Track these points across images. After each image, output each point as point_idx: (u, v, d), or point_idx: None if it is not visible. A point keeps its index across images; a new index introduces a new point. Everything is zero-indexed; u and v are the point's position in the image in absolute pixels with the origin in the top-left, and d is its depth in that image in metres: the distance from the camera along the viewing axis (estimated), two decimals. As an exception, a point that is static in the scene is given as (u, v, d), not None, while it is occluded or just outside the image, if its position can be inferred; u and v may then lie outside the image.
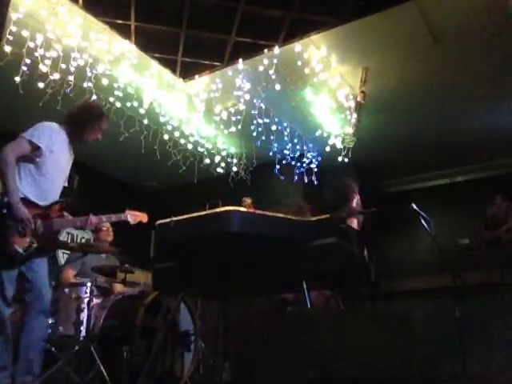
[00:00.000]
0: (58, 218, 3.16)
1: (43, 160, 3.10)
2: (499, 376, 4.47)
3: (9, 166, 2.94)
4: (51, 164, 3.14)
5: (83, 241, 6.43)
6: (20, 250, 2.92)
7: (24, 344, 2.96)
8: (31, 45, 3.95)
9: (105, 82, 4.44)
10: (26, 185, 3.04)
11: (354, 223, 4.48)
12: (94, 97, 4.47)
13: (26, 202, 2.99)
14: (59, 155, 3.21)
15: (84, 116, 3.32)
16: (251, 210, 2.68)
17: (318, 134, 5.59)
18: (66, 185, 3.36)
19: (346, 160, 5.49)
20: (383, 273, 4.91)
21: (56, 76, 4.12)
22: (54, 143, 3.14)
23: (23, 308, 3.06)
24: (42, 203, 3.09)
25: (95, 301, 4.04)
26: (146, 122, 5.08)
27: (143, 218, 3.62)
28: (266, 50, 4.37)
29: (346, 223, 4.32)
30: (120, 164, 6.81)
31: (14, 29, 3.81)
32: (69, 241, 6.30)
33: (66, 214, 3.23)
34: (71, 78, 4.23)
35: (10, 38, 3.81)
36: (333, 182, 6.58)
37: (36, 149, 3.06)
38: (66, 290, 4.18)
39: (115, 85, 4.61)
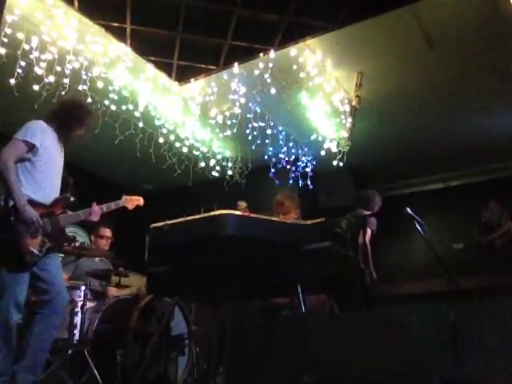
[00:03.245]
0: (62, 214, 3.17)
1: (39, 158, 3.10)
2: (494, 380, 4.48)
3: (10, 171, 2.94)
4: (47, 161, 3.15)
5: (77, 244, 6.40)
6: (35, 251, 2.93)
7: (35, 344, 2.94)
8: (26, 47, 3.94)
9: (100, 84, 4.43)
10: (28, 186, 3.04)
11: (368, 234, 4.50)
12: (90, 100, 4.47)
13: (32, 203, 2.99)
14: (53, 151, 3.22)
15: (71, 113, 3.31)
16: (246, 214, 2.68)
17: (313, 137, 5.59)
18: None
19: (341, 164, 5.50)
20: (378, 276, 4.90)
21: (51, 78, 4.11)
22: (45, 139, 3.15)
23: (36, 308, 3.03)
24: (45, 202, 3.10)
25: (89, 304, 4.02)
26: (141, 125, 5.07)
27: (139, 201, 3.68)
28: (261, 54, 4.37)
29: (358, 231, 4.32)
30: (115, 167, 6.80)
31: (8, 31, 3.80)
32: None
33: (67, 209, 3.24)
34: (66, 80, 4.22)
35: (5, 40, 3.80)
36: (328, 186, 6.61)
37: (31, 148, 3.07)
38: (60, 293, 4.15)
39: (110, 88, 4.61)
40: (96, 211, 3.33)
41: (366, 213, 4.67)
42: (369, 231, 4.54)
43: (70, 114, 3.31)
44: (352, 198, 5.00)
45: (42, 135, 3.14)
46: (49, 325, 3.00)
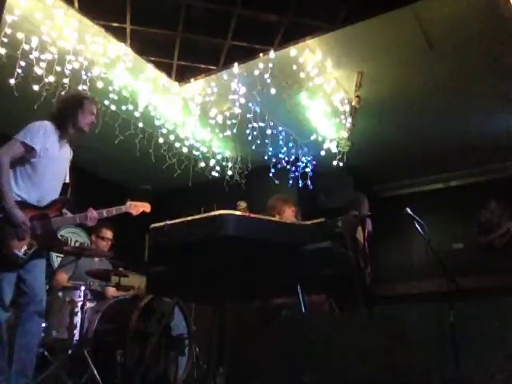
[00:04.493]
0: (57, 216, 3.14)
1: (39, 160, 3.09)
2: (494, 380, 4.47)
3: (2, 170, 2.92)
4: (48, 163, 3.13)
5: (77, 244, 6.40)
6: (20, 254, 2.91)
7: (19, 346, 2.93)
8: (26, 47, 3.93)
9: (100, 85, 4.43)
10: (24, 187, 3.02)
11: (361, 233, 4.49)
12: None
13: (24, 204, 2.97)
14: (55, 152, 3.19)
15: (67, 106, 3.30)
16: (246, 214, 2.68)
17: (312, 138, 5.59)
18: (67, 181, 3.34)
19: (341, 164, 5.50)
20: (378, 277, 4.91)
21: (51, 79, 4.11)
22: (48, 141, 3.13)
23: (17, 311, 3.03)
24: (39, 204, 3.08)
25: (89, 304, 4.03)
26: (141, 125, 5.07)
27: (146, 207, 3.58)
28: (261, 54, 4.37)
29: (354, 231, 4.33)
30: (115, 167, 6.80)
31: (8, 31, 3.80)
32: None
33: (64, 211, 3.21)
34: (66, 80, 4.21)
35: (5, 40, 3.80)
36: (328, 186, 6.61)
37: (30, 150, 3.05)
38: (60, 293, 4.16)
39: (110, 88, 4.60)
40: (92, 216, 3.27)
41: (359, 213, 4.67)
42: (366, 231, 4.54)
43: (67, 106, 3.30)
44: (353, 198, 5.02)
45: (45, 137, 3.11)
46: (30, 326, 2.99)
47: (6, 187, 2.92)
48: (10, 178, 2.97)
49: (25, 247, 2.94)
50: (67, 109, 3.29)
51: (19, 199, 2.96)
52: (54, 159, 3.19)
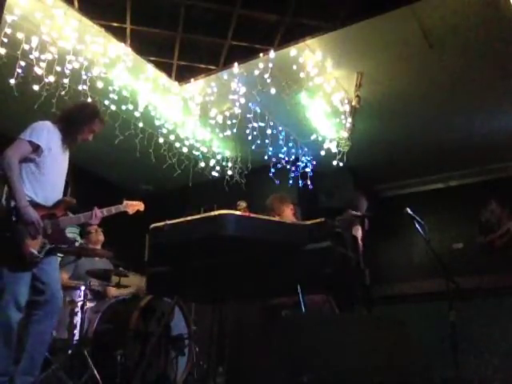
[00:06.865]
0: (63, 216, 3.19)
1: (43, 159, 3.12)
2: (495, 379, 4.48)
3: (13, 171, 2.96)
4: (51, 162, 3.16)
5: (77, 244, 6.40)
6: (35, 252, 2.94)
7: (32, 345, 2.94)
8: (26, 47, 3.93)
9: (100, 84, 4.43)
10: (30, 187, 3.05)
11: (359, 231, 4.49)
12: (89, 100, 4.46)
13: (33, 204, 3.00)
14: (57, 152, 3.23)
15: (77, 115, 3.33)
16: (246, 214, 2.68)
17: (312, 137, 5.59)
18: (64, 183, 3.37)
19: (341, 164, 5.50)
20: (378, 277, 4.91)
21: (51, 78, 4.11)
22: (50, 141, 3.16)
23: (33, 308, 3.04)
24: (47, 203, 3.11)
25: (89, 304, 4.03)
26: (141, 125, 5.07)
27: (140, 206, 3.69)
28: (261, 54, 4.37)
29: (350, 230, 4.34)
30: (115, 167, 6.79)
31: (8, 31, 3.80)
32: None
33: (68, 212, 3.26)
34: (66, 80, 4.22)
35: (5, 40, 3.80)
36: (328, 186, 6.61)
37: (36, 148, 3.08)
38: (60, 293, 4.16)
39: (110, 88, 4.60)
40: (98, 215, 3.34)
41: (356, 213, 4.67)
42: (360, 229, 4.54)
43: (76, 116, 3.33)
44: (351, 198, 5.02)
45: (48, 136, 3.15)
46: (45, 325, 3.01)
47: (18, 187, 2.95)
48: (20, 178, 2.99)
49: (39, 246, 2.98)
50: (79, 118, 3.33)
51: (28, 199, 2.99)
52: (56, 159, 3.22)
